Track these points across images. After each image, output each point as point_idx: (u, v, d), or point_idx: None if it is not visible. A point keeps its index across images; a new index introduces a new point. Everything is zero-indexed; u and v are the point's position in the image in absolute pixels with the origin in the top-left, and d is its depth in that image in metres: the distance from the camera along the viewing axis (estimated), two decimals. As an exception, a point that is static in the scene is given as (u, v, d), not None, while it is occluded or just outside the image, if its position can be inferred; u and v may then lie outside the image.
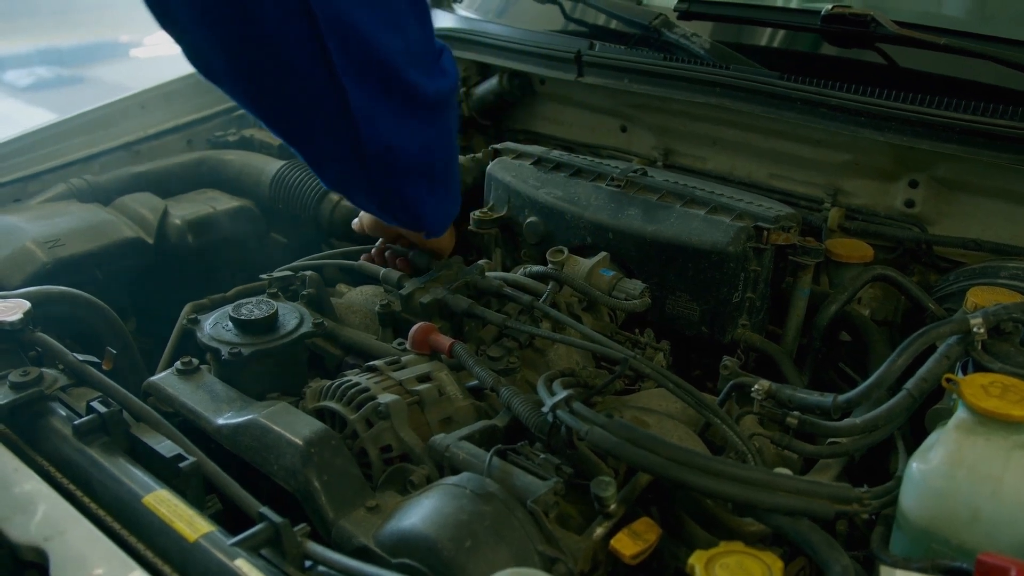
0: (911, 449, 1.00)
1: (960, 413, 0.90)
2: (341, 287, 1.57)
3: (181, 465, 0.94)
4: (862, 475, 1.15)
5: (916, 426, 1.10)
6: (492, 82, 1.96)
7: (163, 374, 1.19)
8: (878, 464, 1.15)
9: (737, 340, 1.35)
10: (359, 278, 1.56)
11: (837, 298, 1.32)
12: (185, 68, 2.03)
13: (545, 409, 0.97)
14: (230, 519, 0.93)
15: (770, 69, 1.52)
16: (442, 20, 2.04)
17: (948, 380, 0.89)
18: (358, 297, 1.48)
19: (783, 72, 1.49)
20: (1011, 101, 1.29)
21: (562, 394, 0.97)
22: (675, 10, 1.69)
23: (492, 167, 1.61)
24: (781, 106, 1.48)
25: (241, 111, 2.04)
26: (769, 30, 1.72)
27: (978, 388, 0.88)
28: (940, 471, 0.86)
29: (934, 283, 1.40)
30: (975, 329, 0.99)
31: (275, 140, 1.96)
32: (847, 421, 1.03)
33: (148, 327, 1.60)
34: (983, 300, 1.12)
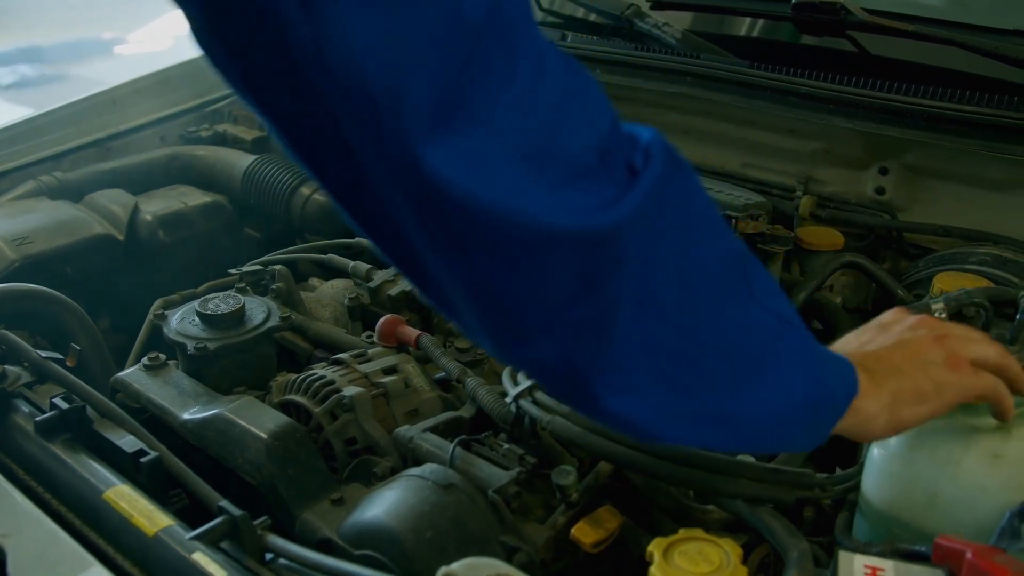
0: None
1: (920, 397, 0.90)
2: (314, 281, 1.56)
3: (142, 460, 0.94)
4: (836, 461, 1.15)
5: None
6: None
7: (130, 370, 1.18)
8: (850, 449, 1.15)
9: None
10: (332, 271, 1.55)
11: (806, 285, 1.32)
12: (158, 64, 2.04)
13: (508, 399, 0.97)
14: (198, 515, 0.93)
15: (742, 58, 1.51)
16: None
17: None
18: (328, 291, 1.48)
19: (756, 61, 1.49)
20: (979, 87, 1.30)
21: (525, 384, 0.97)
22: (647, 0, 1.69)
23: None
24: (751, 95, 1.48)
25: (213, 107, 2.02)
26: (742, 20, 1.72)
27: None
28: (899, 455, 0.86)
29: (905, 270, 1.40)
30: (937, 314, 0.99)
31: (248, 135, 1.94)
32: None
33: (121, 324, 1.59)
34: (948, 285, 1.12)
